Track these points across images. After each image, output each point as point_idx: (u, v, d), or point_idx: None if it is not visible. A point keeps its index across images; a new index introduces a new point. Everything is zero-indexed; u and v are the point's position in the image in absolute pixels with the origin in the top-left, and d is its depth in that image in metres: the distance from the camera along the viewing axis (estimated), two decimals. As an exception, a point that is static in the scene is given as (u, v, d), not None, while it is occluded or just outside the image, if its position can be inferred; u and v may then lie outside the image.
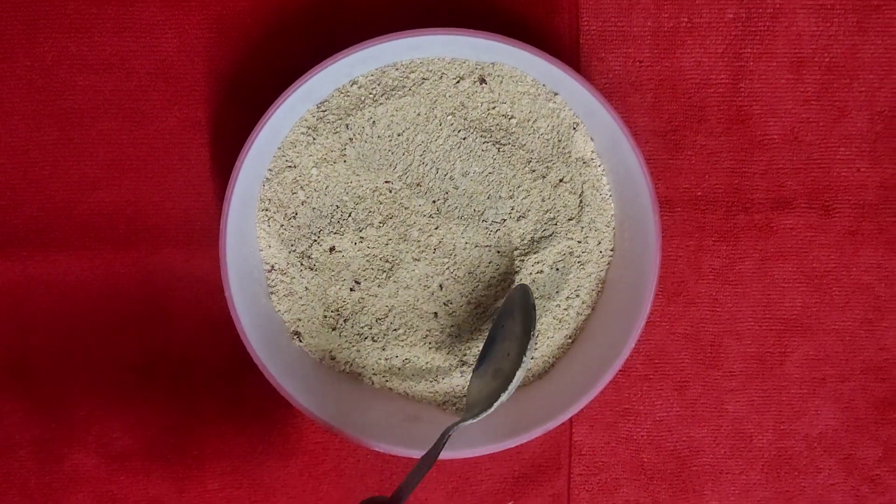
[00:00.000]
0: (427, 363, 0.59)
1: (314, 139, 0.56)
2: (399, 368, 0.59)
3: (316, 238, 0.57)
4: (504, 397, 0.52)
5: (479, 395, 0.54)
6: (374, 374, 0.59)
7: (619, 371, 0.60)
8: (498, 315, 0.56)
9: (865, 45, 0.61)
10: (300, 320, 0.58)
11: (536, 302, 0.57)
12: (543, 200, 0.57)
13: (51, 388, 0.62)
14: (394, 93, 0.56)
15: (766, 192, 0.62)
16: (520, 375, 0.52)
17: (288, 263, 0.58)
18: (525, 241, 0.58)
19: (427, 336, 0.58)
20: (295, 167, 0.57)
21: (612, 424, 0.63)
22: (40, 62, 0.60)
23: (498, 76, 0.56)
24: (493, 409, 0.52)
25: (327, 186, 0.57)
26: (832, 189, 0.62)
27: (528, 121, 0.57)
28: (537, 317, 0.56)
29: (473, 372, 0.56)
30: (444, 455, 0.55)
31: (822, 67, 0.61)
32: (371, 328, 0.58)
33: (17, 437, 0.62)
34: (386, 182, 0.57)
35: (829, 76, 0.61)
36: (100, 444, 0.62)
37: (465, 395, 0.59)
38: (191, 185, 0.61)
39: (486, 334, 0.58)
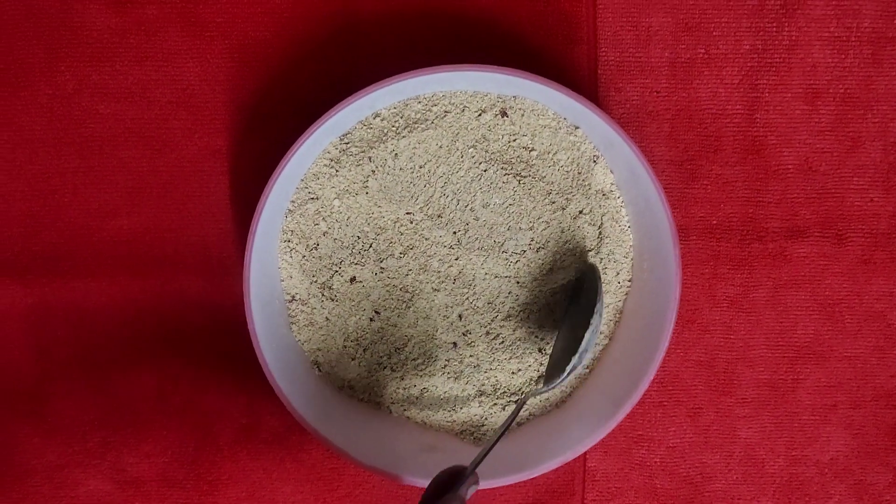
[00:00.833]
0: (445, 393, 0.59)
1: (337, 171, 0.56)
2: (417, 398, 0.59)
3: (337, 269, 0.58)
4: (575, 360, 0.53)
5: (554, 367, 0.55)
6: (393, 403, 0.59)
7: (634, 398, 0.61)
8: (569, 300, 0.57)
9: (880, 76, 0.61)
10: (320, 350, 0.59)
11: (556, 331, 0.58)
12: (563, 232, 0.58)
13: (66, 414, 0.62)
14: (416, 126, 0.56)
15: (781, 220, 0.62)
16: (588, 339, 0.53)
17: (309, 294, 0.58)
18: (544, 272, 0.58)
19: (446, 366, 0.58)
20: (317, 199, 0.57)
21: (626, 451, 0.63)
22: (62, 90, 0.60)
23: (519, 109, 0.57)
24: (566, 374, 0.54)
25: (349, 218, 0.57)
26: (845, 218, 0.62)
27: (549, 153, 0.57)
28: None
29: (550, 353, 0.58)
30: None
31: (836, 99, 0.61)
32: (390, 358, 0.59)
33: (32, 463, 0.62)
34: (407, 213, 0.57)
35: (844, 107, 0.61)
36: (115, 471, 0.62)
37: (483, 425, 0.59)
38: (210, 214, 0.61)
39: (505, 364, 0.58)
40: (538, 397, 0.59)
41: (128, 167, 0.61)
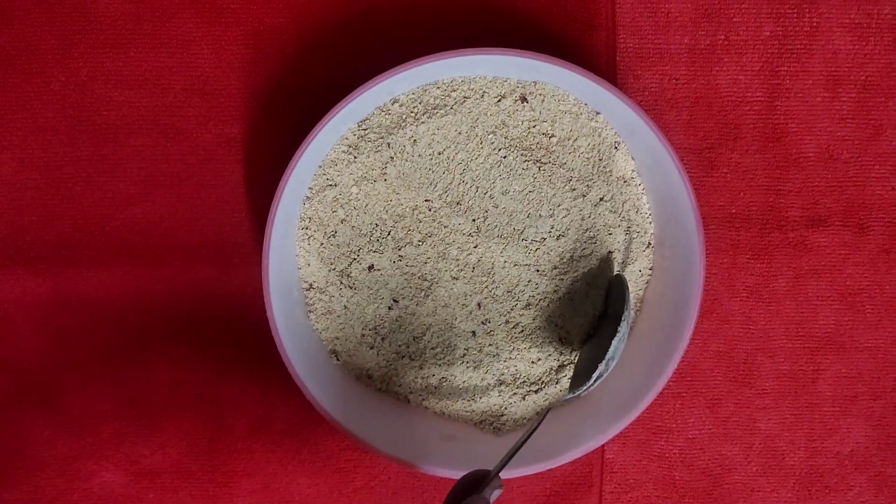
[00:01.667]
0: (464, 382, 0.58)
1: (355, 158, 0.56)
2: (436, 387, 0.59)
3: (355, 256, 0.57)
4: (602, 367, 0.53)
5: (580, 374, 0.55)
6: (411, 392, 0.59)
7: (652, 389, 0.60)
8: (599, 313, 0.58)
9: (901, 63, 0.61)
10: (338, 339, 0.58)
11: (577, 320, 0.58)
12: (583, 219, 0.57)
13: (80, 405, 0.61)
14: (435, 111, 0.56)
15: (801, 209, 0.61)
16: (615, 346, 0.53)
17: (327, 282, 0.57)
18: (564, 260, 0.57)
19: (465, 355, 0.58)
20: (335, 186, 0.56)
21: (644, 442, 0.63)
22: (75, 77, 0.60)
23: (539, 95, 0.56)
24: (592, 381, 0.53)
25: (367, 205, 0.57)
26: (867, 207, 0.62)
27: (569, 139, 0.57)
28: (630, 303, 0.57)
29: (576, 362, 0.57)
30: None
31: (857, 85, 0.61)
32: (408, 347, 0.58)
33: (45, 454, 0.62)
34: (426, 200, 0.56)
35: (865, 94, 0.61)
36: (129, 462, 0.62)
37: (502, 415, 0.59)
38: (225, 202, 0.61)
39: (524, 353, 0.58)
40: (558, 388, 0.59)
41: (142, 155, 0.60)
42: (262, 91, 0.60)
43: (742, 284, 0.62)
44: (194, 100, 0.60)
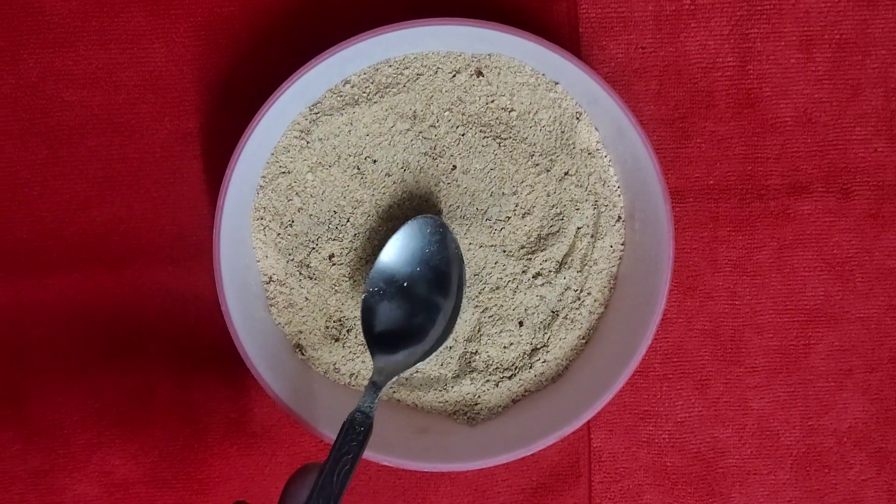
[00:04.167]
0: (435, 372, 0.56)
1: (308, 143, 0.54)
2: (407, 378, 0.57)
3: (314, 246, 0.55)
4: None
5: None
6: (382, 385, 0.57)
7: (637, 371, 0.58)
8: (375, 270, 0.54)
9: (875, 19, 0.59)
10: (301, 332, 0.57)
11: (547, 306, 0.56)
12: (549, 195, 0.55)
13: (49, 416, 0.60)
14: (388, 90, 0.54)
15: (781, 177, 0.60)
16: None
17: (286, 273, 0.56)
18: (532, 239, 0.56)
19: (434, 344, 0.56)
20: (289, 173, 0.55)
21: (632, 428, 0.61)
22: (25, 79, 0.59)
23: (495, 68, 0.54)
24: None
25: (324, 192, 0.55)
26: (850, 171, 0.60)
27: (529, 113, 0.55)
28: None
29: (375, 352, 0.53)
30: (458, 467, 0.54)
31: (832, 45, 0.59)
32: (376, 337, 0.56)
33: (16, 469, 0.61)
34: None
35: (840, 54, 0.59)
36: (102, 473, 0.61)
37: (476, 404, 0.57)
38: (184, 199, 0.59)
39: (495, 338, 0.56)
40: (531, 373, 0.57)
41: (97, 155, 0.59)
42: (216, 83, 0.59)
43: (724, 258, 0.60)
44: (148, 96, 0.59)
